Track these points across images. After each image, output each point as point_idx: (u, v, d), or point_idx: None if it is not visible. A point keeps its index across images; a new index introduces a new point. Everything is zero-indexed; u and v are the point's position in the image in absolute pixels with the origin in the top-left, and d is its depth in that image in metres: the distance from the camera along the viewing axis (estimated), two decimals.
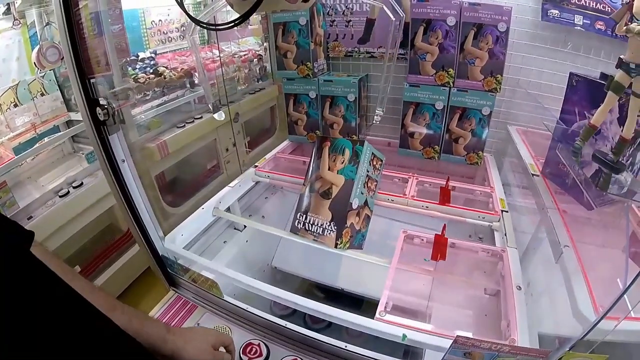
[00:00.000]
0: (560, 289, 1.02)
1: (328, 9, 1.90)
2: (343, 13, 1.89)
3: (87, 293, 0.63)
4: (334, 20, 1.91)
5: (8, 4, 2.21)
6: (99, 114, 1.07)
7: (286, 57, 1.83)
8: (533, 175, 1.45)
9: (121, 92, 1.19)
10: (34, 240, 0.65)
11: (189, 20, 0.88)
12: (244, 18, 0.88)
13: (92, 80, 1.06)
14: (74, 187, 2.16)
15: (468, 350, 0.88)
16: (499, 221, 1.42)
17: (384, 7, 1.06)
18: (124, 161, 1.18)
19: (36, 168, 2.49)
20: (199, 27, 0.91)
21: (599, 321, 0.76)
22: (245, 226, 1.80)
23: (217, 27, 1.09)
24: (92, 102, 1.07)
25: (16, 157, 2.16)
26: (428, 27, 1.61)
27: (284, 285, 1.24)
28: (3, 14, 2.24)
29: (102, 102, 1.08)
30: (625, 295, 0.71)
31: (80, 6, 0.98)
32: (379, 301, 1.14)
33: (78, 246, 2.33)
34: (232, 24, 0.91)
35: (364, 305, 1.69)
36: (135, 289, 2.49)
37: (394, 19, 1.06)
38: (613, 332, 0.74)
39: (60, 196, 2.09)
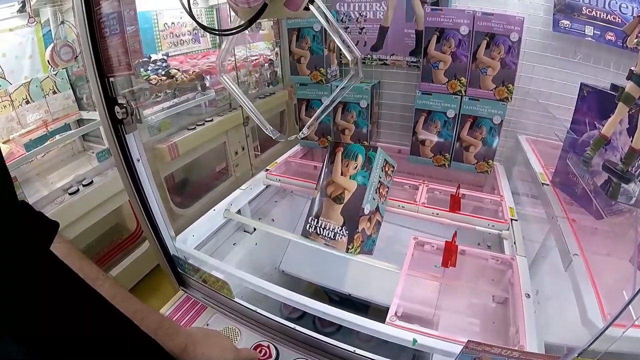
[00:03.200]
0: (568, 298, 1.02)
1: (342, 16, 1.92)
2: (357, 20, 1.91)
3: (118, 298, 0.64)
4: (348, 27, 1.93)
5: (23, 2, 2.23)
6: (118, 112, 1.08)
7: (300, 63, 1.85)
8: (543, 184, 1.45)
9: (138, 91, 1.20)
10: (62, 237, 0.66)
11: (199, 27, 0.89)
12: (248, 24, 0.91)
13: (110, 79, 1.07)
14: (83, 185, 2.17)
15: (478, 355, 0.88)
16: (508, 229, 1.43)
17: (341, 48, 1.07)
18: (139, 160, 1.20)
19: (46, 165, 2.52)
20: (226, 62, 0.93)
21: (607, 327, 0.76)
22: (254, 229, 1.81)
23: (220, 33, 1.10)
24: (110, 101, 1.08)
25: (27, 153, 2.19)
26: (441, 36, 1.62)
27: (291, 290, 1.24)
28: (18, 11, 2.27)
29: (120, 100, 1.09)
30: (632, 303, 0.72)
31: (101, 5, 1.00)
32: (385, 307, 1.15)
33: (84, 244, 2.34)
34: (237, 30, 0.93)
35: (370, 311, 1.70)
36: (141, 289, 2.49)
37: (350, 58, 1.07)
38: (620, 340, 0.75)
39: (70, 194, 2.10)
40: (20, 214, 0.59)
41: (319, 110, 1.27)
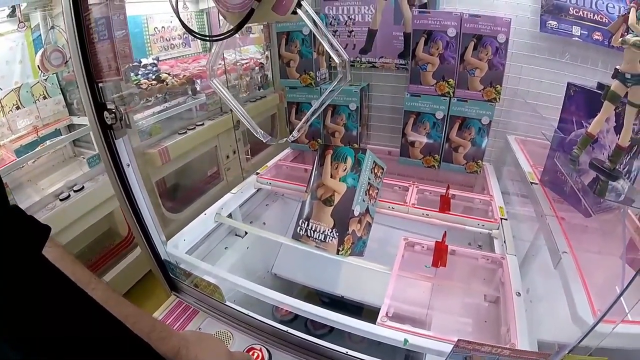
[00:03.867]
0: (559, 295, 1.03)
1: (331, 19, 1.93)
2: (345, 23, 1.92)
3: (110, 302, 0.64)
4: (337, 31, 1.94)
5: (13, 7, 2.22)
6: (107, 117, 1.08)
7: (289, 66, 1.85)
8: (532, 183, 1.46)
9: (128, 96, 1.19)
10: (54, 241, 0.66)
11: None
12: (235, 30, 0.91)
13: (99, 84, 1.07)
14: (74, 191, 2.15)
15: (469, 354, 0.89)
16: (498, 229, 1.44)
17: (329, 51, 1.08)
18: (128, 165, 1.19)
19: (37, 171, 2.49)
20: (216, 66, 0.93)
21: (596, 324, 0.77)
22: (246, 233, 1.81)
23: (210, 38, 1.11)
24: (99, 106, 1.08)
25: (17, 159, 2.17)
26: (429, 38, 1.63)
27: (283, 293, 1.24)
28: (8, 16, 2.26)
29: (109, 106, 1.09)
30: (621, 299, 0.73)
31: (90, 10, 0.99)
32: (378, 309, 1.15)
33: (76, 250, 2.33)
34: (224, 35, 0.93)
35: (363, 312, 1.70)
36: (135, 294, 2.47)
37: (338, 61, 1.08)
38: (610, 335, 0.76)
39: (61, 200, 2.09)
40: (12, 217, 0.59)
41: (308, 113, 1.27)
